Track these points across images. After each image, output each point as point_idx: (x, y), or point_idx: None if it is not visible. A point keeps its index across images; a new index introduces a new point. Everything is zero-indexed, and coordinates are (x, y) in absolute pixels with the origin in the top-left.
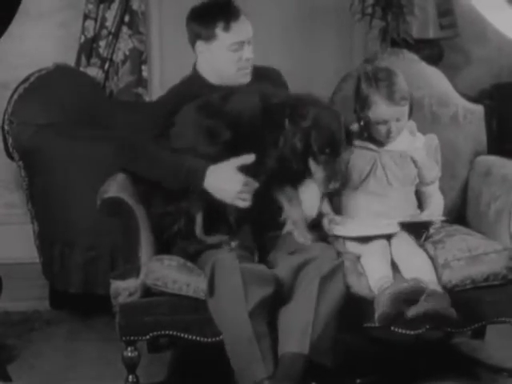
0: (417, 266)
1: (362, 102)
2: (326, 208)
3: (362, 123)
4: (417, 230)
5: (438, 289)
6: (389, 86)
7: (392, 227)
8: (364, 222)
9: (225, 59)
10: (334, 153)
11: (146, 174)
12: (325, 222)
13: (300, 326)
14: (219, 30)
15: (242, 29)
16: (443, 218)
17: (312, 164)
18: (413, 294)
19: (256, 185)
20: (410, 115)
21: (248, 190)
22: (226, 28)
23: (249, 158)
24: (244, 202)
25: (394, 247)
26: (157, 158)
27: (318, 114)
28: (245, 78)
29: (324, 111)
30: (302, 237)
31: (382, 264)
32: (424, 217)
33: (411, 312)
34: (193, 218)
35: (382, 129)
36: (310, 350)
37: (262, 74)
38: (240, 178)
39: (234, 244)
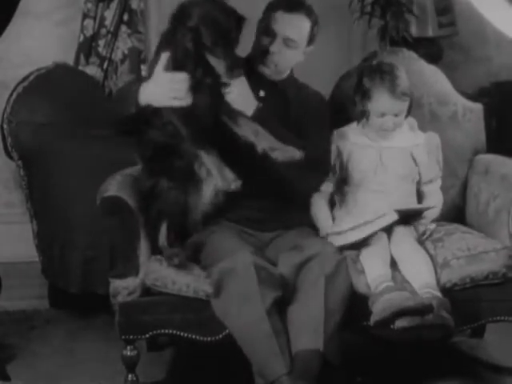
0: (417, 267)
1: (362, 94)
2: (326, 216)
3: (359, 111)
4: (413, 218)
5: (437, 294)
6: (392, 80)
7: (390, 217)
8: (362, 221)
9: (257, 38)
10: (228, 41)
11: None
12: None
13: (312, 324)
14: (271, 10)
15: (285, 22)
16: (431, 207)
17: (211, 59)
18: (418, 312)
19: (185, 77)
20: (409, 113)
21: (180, 86)
22: (273, 11)
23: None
24: (179, 101)
25: (394, 246)
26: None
27: (202, 11)
28: (262, 67)
29: (208, 7)
30: (286, 152)
31: (380, 262)
32: (419, 205)
33: (400, 323)
34: (158, 226)
35: (379, 122)
36: (324, 347)
37: (304, 92)
38: (167, 76)
39: (177, 260)
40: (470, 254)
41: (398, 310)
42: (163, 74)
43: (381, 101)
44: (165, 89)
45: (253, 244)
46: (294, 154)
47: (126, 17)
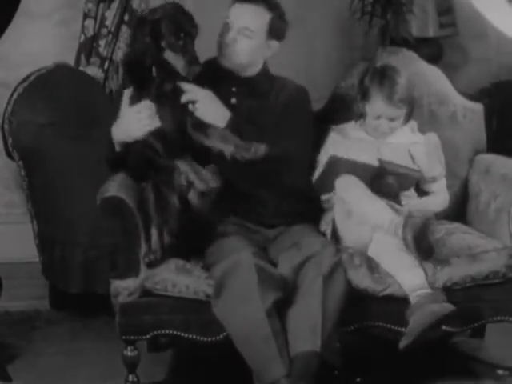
0: (401, 274)
1: (362, 93)
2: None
3: (358, 109)
4: (396, 176)
5: (427, 291)
6: (391, 86)
7: (372, 160)
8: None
9: (220, 32)
10: (188, 35)
11: None
12: (322, 224)
13: (309, 326)
14: (230, 4)
15: (239, 12)
16: (419, 171)
17: (170, 55)
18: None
19: (148, 104)
20: (409, 118)
21: (144, 114)
22: (232, 4)
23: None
24: (147, 127)
25: (373, 252)
26: None
27: (163, 9)
28: (223, 59)
29: (170, 7)
30: (249, 149)
31: (417, 269)
32: (405, 165)
33: (402, 344)
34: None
35: (374, 123)
36: (322, 348)
37: (279, 84)
38: (132, 109)
39: (152, 257)
40: (471, 254)
41: (431, 324)
42: (128, 109)
43: (376, 104)
44: (133, 123)
45: (257, 242)
46: (258, 149)
47: (126, 17)
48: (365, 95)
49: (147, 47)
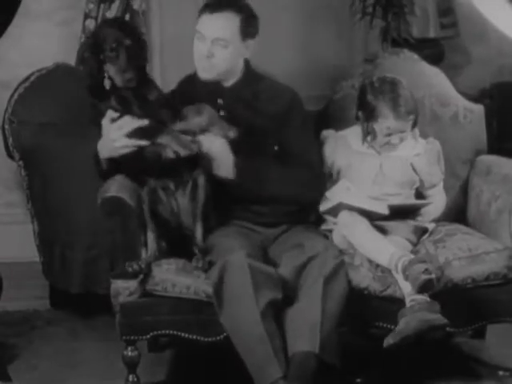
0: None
1: (368, 112)
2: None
3: (365, 128)
4: (407, 213)
5: (422, 298)
6: (395, 100)
7: (382, 208)
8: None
9: (194, 44)
10: (121, 45)
11: None
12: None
13: (308, 326)
14: (198, 16)
15: (209, 24)
16: (428, 202)
17: (109, 67)
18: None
19: (130, 120)
20: (415, 125)
21: (126, 131)
22: (200, 15)
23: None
24: (125, 149)
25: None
26: None
27: (103, 23)
28: (203, 73)
29: (109, 23)
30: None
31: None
32: (414, 201)
33: (387, 342)
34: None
35: (385, 140)
36: (320, 349)
37: (273, 89)
38: (113, 126)
39: (135, 267)
40: (471, 255)
41: (421, 330)
42: (110, 126)
43: (386, 123)
44: (109, 137)
45: (259, 242)
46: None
47: (127, 17)
48: (371, 115)
49: (90, 63)
